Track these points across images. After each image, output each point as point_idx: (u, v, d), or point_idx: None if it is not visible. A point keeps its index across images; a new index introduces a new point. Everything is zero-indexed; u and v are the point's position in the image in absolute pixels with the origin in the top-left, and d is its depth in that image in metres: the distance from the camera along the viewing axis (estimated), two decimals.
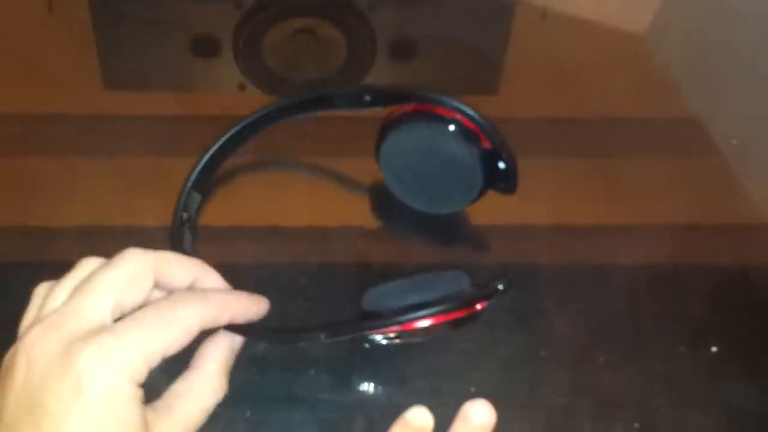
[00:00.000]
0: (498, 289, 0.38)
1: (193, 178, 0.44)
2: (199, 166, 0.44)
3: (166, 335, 0.32)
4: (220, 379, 0.36)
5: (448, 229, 0.48)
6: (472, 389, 0.39)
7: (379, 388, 0.40)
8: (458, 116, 0.42)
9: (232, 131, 0.46)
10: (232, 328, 0.37)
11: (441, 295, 0.37)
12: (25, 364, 0.31)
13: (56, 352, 0.31)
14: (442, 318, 0.37)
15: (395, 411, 0.37)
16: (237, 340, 0.38)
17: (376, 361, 0.40)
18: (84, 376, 0.30)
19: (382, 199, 0.47)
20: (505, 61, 0.61)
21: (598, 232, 0.49)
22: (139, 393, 0.32)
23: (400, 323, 0.36)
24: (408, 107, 0.44)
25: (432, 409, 0.37)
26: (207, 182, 0.45)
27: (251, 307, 0.37)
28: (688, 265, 0.47)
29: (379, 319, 0.37)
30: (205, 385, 0.36)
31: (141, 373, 0.32)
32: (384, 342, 0.38)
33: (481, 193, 0.44)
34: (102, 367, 0.30)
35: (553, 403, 0.40)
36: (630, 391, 0.40)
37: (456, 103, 0.42)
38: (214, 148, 0.45)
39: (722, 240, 0.49)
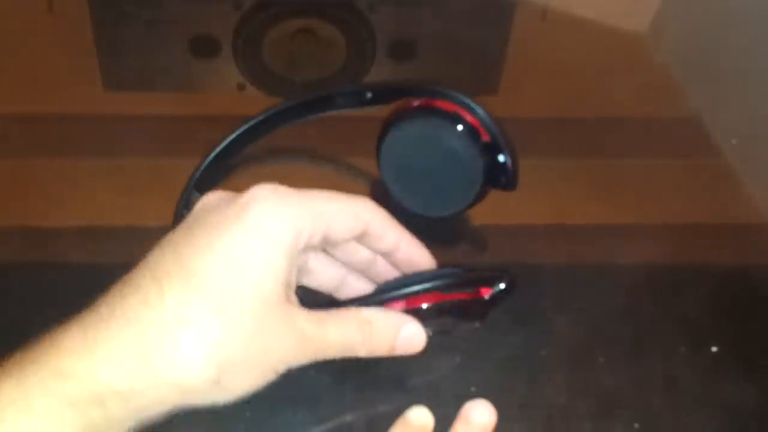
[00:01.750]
0: (501, 276, 0.38)
1: (195, 178, 0.44)
2: (202, 167, 0.45)
3: (336, 211, 0.35)
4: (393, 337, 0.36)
5: (448, 230, 0.48)
6: (472, 389, 0.39)
7: (379, 388, 0.40)
8: (457, 109, 0.42)
9: (234, 134, 0.46)
10: None
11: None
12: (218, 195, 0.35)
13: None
14: (444, 296, 0.36)
15: (395, 411, 0.37)
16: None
17: (376, 361, 0.40)
18: (252, 202, 0.32)
19: (382, 200, 0.47)
20: (505, 61, 0.61)
21: (598, 232, 0.49)
22: (292, 248, 0.32)
23: (402, 297, 0.36)
24: (405, 104, 0.44)
25: (432, 408, 0.37)
26: (208, 183, 0.45)
27: (422, 253, 0.38)
28: (689, 265, 0.47)
29: (380, 293, 0.37)
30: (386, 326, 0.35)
31: (305, 230, 0.33)
32: None
33: (481, 192, 0.44)
34: (271, 202, 0.33)
35: (553, 403, 0.40)
36: (630, 391, 0.40)
37: (456, 96, 0.42)
38: (215, 151, 0.45)
39: (722, 240, 0.49)
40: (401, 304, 0.37)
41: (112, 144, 0.51)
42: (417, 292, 0.36)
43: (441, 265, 0.40)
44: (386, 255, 0.39)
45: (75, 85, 0.56)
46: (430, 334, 0.37)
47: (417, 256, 0.39)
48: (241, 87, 0.57)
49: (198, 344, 0.30)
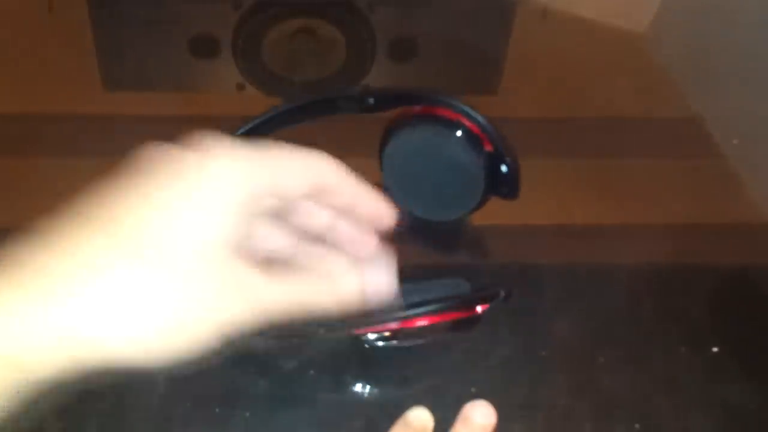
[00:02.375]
0: (497, 294, 0.38)
1: None
2: None
3: (290, 163, 0.33)
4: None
5: (448, 230, 0.47)
6: (473, 390, 0.39)
7: (379, 388, 0.40)
8: (461, 118, 0.42)
9: (233, 136, 0.46)
10: None
11: (440, 296, 0.37)
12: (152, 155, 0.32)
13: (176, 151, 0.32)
14: (439, 317, 0.37)
15: (395, 412, 0.37)
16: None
17: (376, 362, 0.40)
18: (206, 160, 0.31)
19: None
20: (505, 61, 0.61)
21: (598, 232, 0.49)
22: (243, 205, 0.31)
23: (397, 320, 0.36)
24: (411, 110, 0.44)
25: (432, 409, 0.37)
26: None
27: (383, 207, 0.36)
28: (689, 265, 0.47)
29: (376, 315, 0.37)
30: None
31: (260, 185, 0.31)
32: (381, 344, 0.38)
33: (483, 200, 0.44)
34: (225, 160, 0.31)
35: (554, 404, 0.39)
36: (631, 392, 0.40)
37: (459, 105, 0.42)
38: None
39: (723, 240, 0.49)
40: (394, 326, 0.37)
41: (112, 144, 0.51)
42: (412, 317, 0.36)
43: (441, 267, 0.39)
44: (346, 212, 0.36)
45: (75, 85, 0.55)
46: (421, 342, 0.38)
47: (379, 210, 0.36)
48: (240, 87, 0.57)
49: (116, 293, 0.28)
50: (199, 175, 0.30)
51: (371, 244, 0.36)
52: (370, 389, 0.39)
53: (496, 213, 0.46)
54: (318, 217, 0.36)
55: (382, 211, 0.36)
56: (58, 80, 0.55)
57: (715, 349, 0.42)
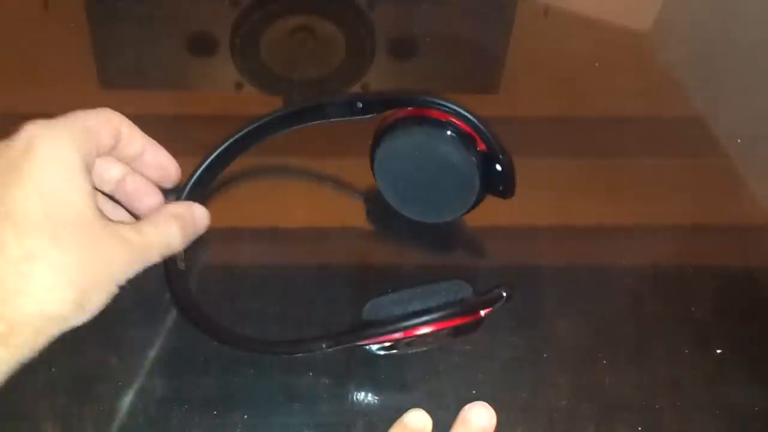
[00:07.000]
0: (500, 296, 0.37)
1: (184, 194, 0.43)
2: (190, 183, 0.44)
3: (100, 123, 0.38)
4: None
5: (447, 232, 0.47)
6: (474, 392, 0.39)
7: (378, 391, 0.39)
8: (452, 118, 0.41)
9: (222, 147, 0.45)
10: (226, 342, 0.37)
11: (442, 303, 0.37)
12: None
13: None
14: (443, 324, 0.36)
15: (394, 414, 0.37)
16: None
17: (375, 364, 0.40)
18: (33, 139, 0.34)
19: (380, 203, 0.46)
20: (506, 59, 0.60)
21: (600, 233, 0.49)
22: (84, 167, 0.35)
23: (401, 330, 0.36)
24: (399, 113, 0.43)
25: (433, 412, 0.37)
26: (202, 192, 0.45)
27: (167, 156, 0.42)
28: (693, 266, 0.46)
29: (379, 326, 0.36)
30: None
31: (88, 149, 0.35)
32: (382, 353, 0.38)
33: (478, 200, 0.43)
34: (49, 133, 0.34)
35: (556, 407, 0.39)
36: (633, 394, 0.40)
37: (449, 105, 0.41)
38: (203, 165, 0.45)
39: (727, 241, 0.49)
40: (398, 335, 0.36)
41: None
42: (416, 325, 0.36)
43: (442, 269, 0.39)
44: (135, 161, 0.41)
45: (70, 83, 0.55)
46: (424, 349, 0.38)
47: (165, 159, 0.42)
48: (238, 86, 0.56)
49: (49, 272, 0.32)
50: (48, 158, 0.33)
51: (157, 197, 0.42)
52: (370, 393, 0.39)
53: (496, 213, 0.46)
54: (111, 171, 0.41)
55: (169, 161, 0.42)
56: (54, 79, 0.55)
57: (719, 351, 0.42)
